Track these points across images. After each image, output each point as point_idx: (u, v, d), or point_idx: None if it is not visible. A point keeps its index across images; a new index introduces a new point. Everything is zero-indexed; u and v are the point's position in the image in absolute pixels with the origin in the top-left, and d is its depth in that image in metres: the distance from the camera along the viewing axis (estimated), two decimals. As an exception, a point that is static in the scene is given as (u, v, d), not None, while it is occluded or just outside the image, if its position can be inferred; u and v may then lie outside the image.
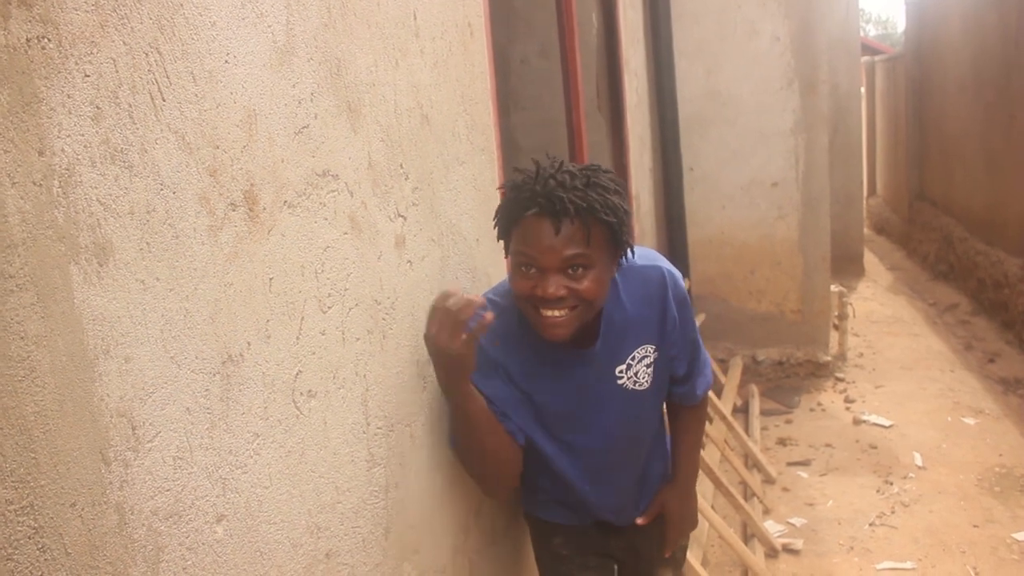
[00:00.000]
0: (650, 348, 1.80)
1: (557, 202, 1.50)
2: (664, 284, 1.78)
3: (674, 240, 5.44)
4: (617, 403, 1.81)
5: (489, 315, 1.54)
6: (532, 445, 1.80)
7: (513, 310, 1.70)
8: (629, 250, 1.65)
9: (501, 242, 1.67)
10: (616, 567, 2.12)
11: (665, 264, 1.82)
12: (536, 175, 1.56)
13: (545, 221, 1.53)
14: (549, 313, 1.57)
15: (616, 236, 1.58)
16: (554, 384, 1.76)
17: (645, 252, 1.83)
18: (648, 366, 1.81)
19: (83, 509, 0.81)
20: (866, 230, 10.15)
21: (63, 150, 0.80)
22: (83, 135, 0.83)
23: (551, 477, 1.89)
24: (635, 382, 1.81)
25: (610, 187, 1.57)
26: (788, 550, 3.55)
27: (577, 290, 1.55)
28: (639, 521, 2.00)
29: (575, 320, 1.60)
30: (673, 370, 1.89)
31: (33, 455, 0.76)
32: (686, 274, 5.45)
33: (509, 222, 1.61)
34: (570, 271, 1.55)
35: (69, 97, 0.81)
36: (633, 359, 1.79)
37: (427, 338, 1.56)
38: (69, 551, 0.79)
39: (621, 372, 1.79)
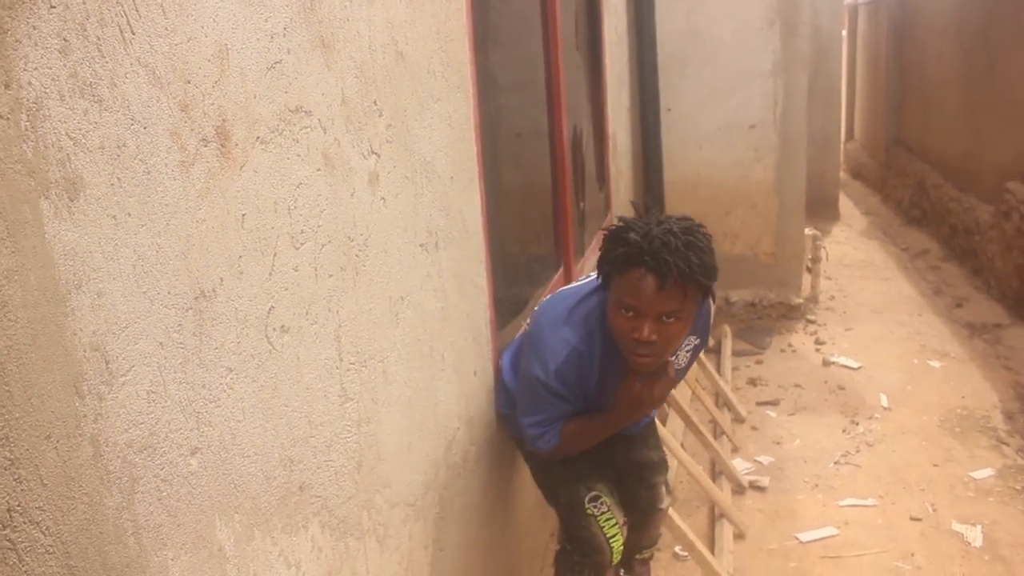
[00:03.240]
0: (692, 339, 2.13)
1: (663, 265, 1.75)
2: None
3: (650, 180, 5.43)
4: None
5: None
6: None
7: (598, 325, 1.99)
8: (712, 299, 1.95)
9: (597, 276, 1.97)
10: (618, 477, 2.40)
11: None
12: (643, 233, 1.79)
13: (650, 278, 1.78)
14: (642, 351, 1.85)
15: (706, 293, 1.85)
16: (620, 372, 2.03)
17: None
18: (688, 351, 2.16)
19: (58, 441, 0.83)
20: (842, 174, 10.18)
21: (30, 83, 0.79)
22: (51, 68, 0.82)
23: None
24: (678, 364, 2.14)
25: (706, 247, 1.81)
26: (755, 487, 3.64)
27: (667, 335, 1.83)
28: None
29: (661, 358, 1.91)
30: None
31: (7, 388, 0.77)
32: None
33: (614, 270, 1.85)
34: (664, 318, 1.81)
35: (35, 29, 0.80)
36: (681, 348, 2.12)
37: (651, 397, 1.99)
38: (45, 482, 0.81)
39: (674, 357, 2.08)
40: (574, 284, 2.17)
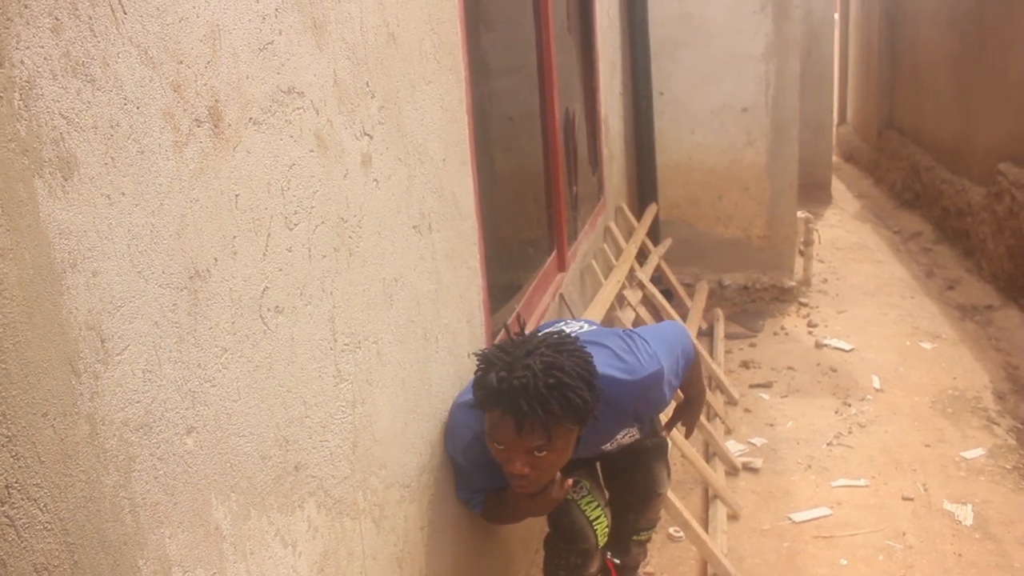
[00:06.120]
0: (632, 430, 2.12)
1: (519, 413, 1.67)
2: (637, 396, 1.99)
3: (643, 164, 5.44)
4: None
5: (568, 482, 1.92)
6: None
7: None
8: (593, 417, 1.79)
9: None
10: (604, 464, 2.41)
11: (646, 372, 1.98)
12: (500, 378, 1.69)
13: (508, 419, 1.70)
14: (516, 483, 1.82)
15: (578, 428, 1.78)
16: None
17: (643, 348, 2.04)
18: (631, 437, 2.16)
19: (55, 419, 0.83)
20: (835, 158, 10.19)
21: (23, 62, 0.80)
22: (43, 47, 0.82)
23: None
24: (620, 445, 2.16)
25: (574, 383, 1.68)
26: (748, 468, 3.66)
27: (541, 467, 1.78)
28: (663, 433, 2.44)
29: (540, 483, 1.84)
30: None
31: (4, 366, 0.77)
32: (654, 199, 5.46)
33: (481, 404, 1.77)
34: (535, 452, 1.75)
35: (26, 7, 0.80)
36: (617, 437, 2.11)
37: (525, 512, 1.98)
38: (43, 459, 0.81)
39: (606, 446, 2.12)
40: None
